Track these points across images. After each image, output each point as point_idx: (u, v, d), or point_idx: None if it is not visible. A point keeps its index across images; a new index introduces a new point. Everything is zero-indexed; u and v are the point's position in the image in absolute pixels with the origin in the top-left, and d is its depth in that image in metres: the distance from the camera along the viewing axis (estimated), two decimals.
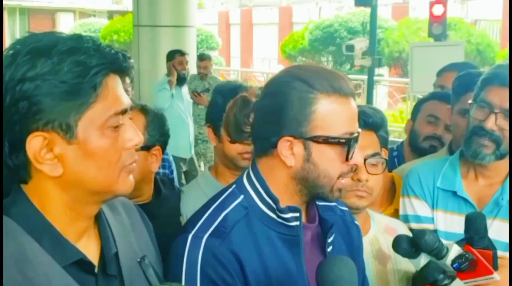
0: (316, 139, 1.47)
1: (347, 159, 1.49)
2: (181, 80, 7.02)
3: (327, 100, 1.47)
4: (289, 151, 1.50)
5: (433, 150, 2.97)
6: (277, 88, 1.53)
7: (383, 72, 20.10)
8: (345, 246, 1.71)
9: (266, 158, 1.55)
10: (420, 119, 3.10)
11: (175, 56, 7.07)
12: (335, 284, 1.29)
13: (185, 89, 7.30)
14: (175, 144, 6.46)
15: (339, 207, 1.77)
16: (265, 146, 1.54)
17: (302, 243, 1.54)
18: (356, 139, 1.51)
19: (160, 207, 2.25)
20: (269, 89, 1.57)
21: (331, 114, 1.47)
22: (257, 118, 1.56)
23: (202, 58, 8.36)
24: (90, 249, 1.30)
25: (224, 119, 1.67)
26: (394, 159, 3.16)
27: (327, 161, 1.49)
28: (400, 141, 3.41)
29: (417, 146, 3.09)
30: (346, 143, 1.48)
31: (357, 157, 1.53)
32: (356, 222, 1.81)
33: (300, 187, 1.53)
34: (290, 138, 1.48)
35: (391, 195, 2.55)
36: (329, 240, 1.62)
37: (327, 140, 1.47)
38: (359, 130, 1.54)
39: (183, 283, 1.45)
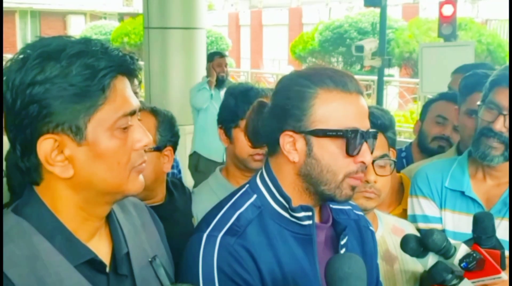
0: (315, 133, 1.48)
1: (347, 153, 1.48)
2: (219, 83, 6.92)
3: (327, 95, 1.48)
4: (292, 147, 1.51)
5: (441, 151, 2.97)
6: (280, 86, 1.57)
7: (393, 72, 20.02)
8: (359, 250, 1.70)
9: (275, 156, 1.57)
10: (429, 120, 3.11)
11: (214, 58, 6.99)
12: (344, 281, 1.29)
13: (223, 92, 7.19)
14: (208, 146, 6.43)
15: (355, 211, 1.77)
16: (272, 143, 1.56)
17: (315, 242, 1.55)
18: (363, 135, 1.49)
19: (173, 209, 2.25)
20: (276, 88, 1.60)
21: (331, 108, 1.48)
22: (265, 116, 1.58)
23: None
24: (102, 249, 1.31)
25: (245, 125, 1.69)
26: (403, 160, 3.16)
27: (329, 155, 1.49)
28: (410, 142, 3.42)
29: (425, 147, 3.09)
30: (344, 135, 1.47)
31: (365, 154, 1.50)
32: (371, 227, 1.81)
33: (307, 185, 1.53)
34: (292, 133, 1.50)
35: (399, 195, 2.56)
36: (342, 242, 1.62)
37: (326, 133, 1.47)
38: (372, 129, 1.54)
39: (200, 281, 1.46)
